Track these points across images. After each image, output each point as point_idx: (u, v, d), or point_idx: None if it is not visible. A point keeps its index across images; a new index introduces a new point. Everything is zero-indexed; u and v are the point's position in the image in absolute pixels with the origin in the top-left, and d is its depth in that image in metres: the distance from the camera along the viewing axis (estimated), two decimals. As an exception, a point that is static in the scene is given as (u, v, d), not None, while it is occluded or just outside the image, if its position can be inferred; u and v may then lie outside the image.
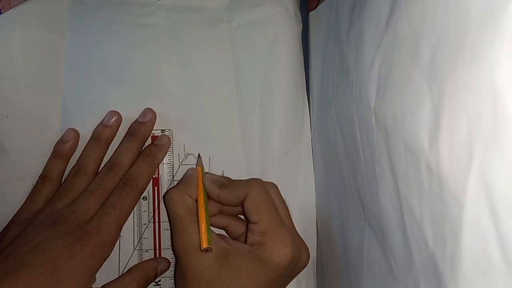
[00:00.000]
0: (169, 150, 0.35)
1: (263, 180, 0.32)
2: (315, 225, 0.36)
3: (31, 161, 0.34)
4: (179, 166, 0.35)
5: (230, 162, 0.35)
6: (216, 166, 0.35)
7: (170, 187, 0.35)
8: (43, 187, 0.33)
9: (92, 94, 0.35)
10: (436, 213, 0.18)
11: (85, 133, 0.35)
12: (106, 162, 0.33)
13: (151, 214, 0.35)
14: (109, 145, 0.34)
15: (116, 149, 0.34)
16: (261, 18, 0.37)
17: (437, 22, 0.18)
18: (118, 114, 0.35)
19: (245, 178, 0.34)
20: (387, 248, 0.23)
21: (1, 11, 0.35)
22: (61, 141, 0.34)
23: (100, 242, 0.29)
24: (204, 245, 0.28)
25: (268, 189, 0.31)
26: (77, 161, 0.33)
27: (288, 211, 0.33)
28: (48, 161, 0.34)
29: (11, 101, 0.34)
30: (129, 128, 0.34)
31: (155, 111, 0.35)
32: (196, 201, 0.31)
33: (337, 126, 0.30)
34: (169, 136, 0.35)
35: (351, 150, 0.27)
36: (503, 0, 0.14)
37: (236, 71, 0.37)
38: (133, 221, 0.34)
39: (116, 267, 0.34)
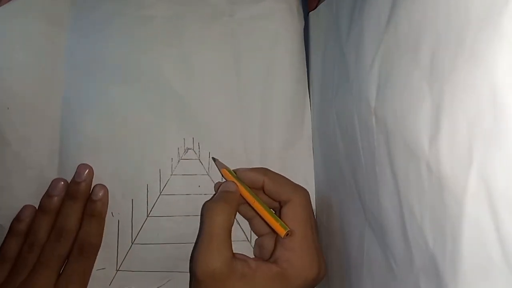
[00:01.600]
0: (165, 144, 0.35)
1: None
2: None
3: (32, 152, 0.34)
4: (178, 161, 0.35)
5: (230, 158, 0.35)
6: None
7: (169, 182, 0.35)
8: (1, 267, 0.32)
9: (92, 85, 0.35)
10: (436, 212, 0.18)
11: (84, 126, 0.35)
12: (53, 229, 0.33)
13: (150, 208, 0.35)
14: (85, 202, 0.34)
15: (60, 213, 0.33)
16: (263, 13, 0.37)
17: (437, 22, 0.18)
18: (64, 182, 0.34)
19: None
20: (387, 248, 0.23)
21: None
22: (17, 220, 0.33)
23: None
24: (284, 230, 0.28)
25: (310, 202, 0.31)
26: (29, 235, 0.33)
27: (316, 224, 0.32)
28: (4, 241, 0.33)
29: (12, 92, 0.34)
30: (68, 190, 0.34)
31: (155, 104, 0.35)
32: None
33: (337, 126, 0.30)
34: (105, 187, 0.34)
35: (351, 150, 0.27)
36: (503, 0, 0.14)
37: (237, 65, 0.37)
38: (131, 215, 0.34)
39: (114, 260, 0.34)
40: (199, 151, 0.36)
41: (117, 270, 0.34)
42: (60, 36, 0.36)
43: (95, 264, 0.33)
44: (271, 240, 0.32)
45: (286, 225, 0.29)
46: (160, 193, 0.35)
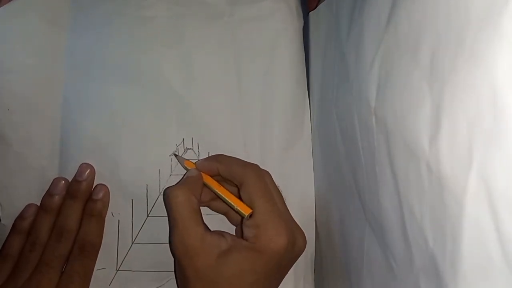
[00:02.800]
0: (165, 144, 0.35)
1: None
2: (315, 224, 0.36)
3: (33, 152, 0.34)
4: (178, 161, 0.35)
5: None
6: None
7: (169, 182, 0.35)
8: (4, 265, 0.32)
9: (92, 86, 0.35)
10: (436, 213, 0.18)
11: (85, 126, 0.35)
12: (54, 229, 0.33)
13: (150, 208, 0.35)
14: (86, 201, 0.34)
15: (61, 212, 0.33)
16: (262, 13, 0.37)
17: (437, 22, 0.18)
18: (65, 181, 0.34)
19: None
20: (387, 248, 0.23)
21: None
22: (20, 217, 0.33)
23: None
24: (247, 210, 0.29)
25: (263, 176, 0.31)
26: (31, 234, 0.33)
27: (282, 197, 0.32)
28: (7, 238, 0.33)
29: (12, 93, 0.34)
30: (69, 189, 0.34)
31: (155, 104, 0.35)
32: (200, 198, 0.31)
33: (337, 126, 0.30)
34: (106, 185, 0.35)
35: (351, 150, 0.27)
36: (503, 0, 0.14)
37: (237, 65, 0.37)
38: (131, 215, 0.34)
39: (114, 260, 0.34)
40: (198, 151, 0.36)
41: (117, 270, 0.34)
42: (60, 36, 0.36)
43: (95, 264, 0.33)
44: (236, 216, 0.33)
45: (242, 231, 0.30)
46: (160, 193, 0.35)
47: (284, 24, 0.37)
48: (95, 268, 0.33)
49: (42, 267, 0.31)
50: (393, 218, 0.22)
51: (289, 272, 0.32)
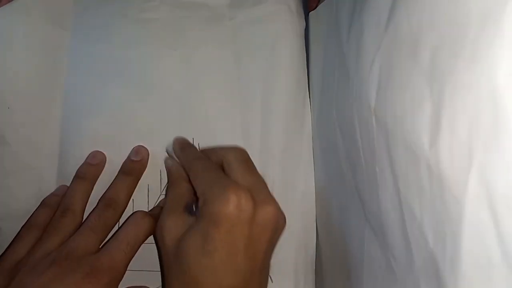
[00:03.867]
0: (166, 145, 0.35)
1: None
2: (315, 224, 0.36)
3: (32, 152, 0.34)
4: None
5: None
6: None
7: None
8: (28, 234, 0.30)
9: (93, 87, 0.35)
10: (436, 213, 0.18)
11: (85, 126, 0.35)
12: (101, 198, 0.32)
13: (151, 208, 0.35)
14: (94, 183, 0.33)
15: (111, 185, 0.33)
16: (263, 15, 0.37)
17: (437, 22, 0.18)
18: (102, 153, 0.34)
19: None
20: (387, 248, 0.23)
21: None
22: (51, 194, 0.33)
23: (111, 279, 0.28)
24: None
25: (208, 155, 0.32)
26: (63, 200, 0.32)
27: (250, 168, 0.30)
28: (36, 211, 0.32)
29: (12, 92, 0.34)
30: (122, 166, 0.34)
31: (156, 105, 0.35)
32: None
33: (337, 126, 0.30)
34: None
35: (351, 150, 0.27)
36: (503, 0, 0.14)
37: (238, 67, 0.37)
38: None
39: None
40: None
41: (117, 270, 0.34)
42: (61, 37, 0.36)
43: None
44: None
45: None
46: (161, 193, 0.35)
47: (284, 25, 0.37)
48: None
49: (85, 230, 0.29)
50: (393, 218, 0.22)
51: (289, 272, 0.32)
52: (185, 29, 0.37)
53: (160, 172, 0.35)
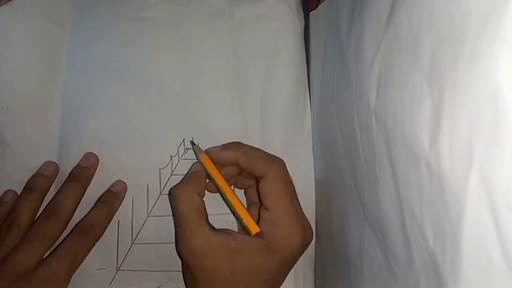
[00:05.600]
0: (165, 144, 0.35)
1: None
2: (315, 224, 0.36)
3: (31, 153, 0.34)
4: (178, 161, 0.35)
5: None
6: None
7: (169, 182, 0.35)
8: None
9: (92, 86, 0.35)
10: (436, 213, 0.18)
11: (84, 126, 0.35)
12: (45, 207, 0.32)
13: (150, 208, 0.35)
14: (44, 196, 0.33)
15: (56, 193, 0.32)
16: (263, 13, 0.37)
17: (437, 21, 0.18)
18: (56, 165, 0.34)
19: None
20: (387, 248, 0.23)
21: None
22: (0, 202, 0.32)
23: None
24: (256, 229, 0.28)
25: (286, 169, 0.31)
26: (10, 213, 0.31)
27: (295, 192, 0.32)
28: None
29: (11, 92, 0.34)
30: (70, 173, 0.33)
31: (155, 104, 0.35)
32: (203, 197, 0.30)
33: (337, 126, 0.30)
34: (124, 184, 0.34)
35: (351, 150, 0.27)
36: (503, 0, 0.14)
37: (237, 65, 0.37)
38: (131, 215, 0.34)
39: (114, 260, 0.34)
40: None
41: (117, 270, 0.34)
42: (61, 36, 0.36)
43: (95, 264, 0.33)
44: (255, 192, 0.32)
45: (257, 224, 0.29)
46: (160, 193, 0.35)
47: (284, 24, 0.37)
48: (95, 267, 0.33)
49: (23, 243, 0.29)
50: (393, 218, 0.22)
51: (289, 272, 0.32)
52: (184, 27, 0.37)
53: (160, 171, 0.35)
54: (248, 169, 0.31)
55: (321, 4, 0.35)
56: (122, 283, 0.34)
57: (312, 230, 0.31)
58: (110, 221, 0.33)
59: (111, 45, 0.36)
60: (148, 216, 0.35)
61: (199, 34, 0.37)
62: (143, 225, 0.34)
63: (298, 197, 0.36)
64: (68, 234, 0.31)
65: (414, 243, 0.20)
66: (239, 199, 0.30)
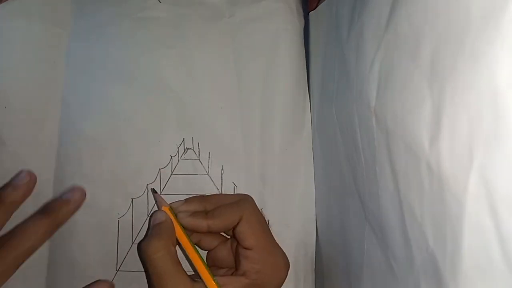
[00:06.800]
0: (165, 144, 0.35)
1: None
2: (315, 224, 0.36)
3: (29, 152, 0.34)
4: (178, 161, 0.35)
5: (230, 158, 0.35)
6: (215, 162, 0.35)
7: (169, 182, 0.35)
8: None
9: (91, 87, 0.35)
10: (436, 213, 0.18)
11: (84, 126, 0.35)
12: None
13: (150, 208, 0.35)
14: (12, 211, 0.29)
15: (20, 223, 0.28)
16: (263, 14, 0.37)
17: (437, 22, 0.18)
18: (33, 176, 0.30)
19: (243, 174, 0.35)
20: (387, 248, 0.23)
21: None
22: None
23: None
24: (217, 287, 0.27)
25: (257, 210, 0.31)
26: None
27: (265, 222, 0.32)
28: None
29: (10, 91, 0.34)
30: (46, 204, 0.30)
31: (155, 104, 0.35)
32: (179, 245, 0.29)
33: (337, 126, 0.30)
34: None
35: (351, 150, 0.27)
36: (503, 0, 0.14)
37: (237, 66, 0.37)
38: (132, 215, 0.34)
39: (114, 260, 0.34)
40: (198, 151, 0.36)
41: (117, 270, 0.34)
42: (61, 36, 0.36)
43: (94, 264, 0.33)
44: (224, 250, 0.31)
45: (240, 263, 0.28)
46: (160, 193, 0.35)
47: (284, 24, 0.37)
48: (95, 268, 0.33)
49: None
50: (393, 218, 0.22)
51: (289, 273, 0.32)
52: (184, 27, 0.37)
53: (159, 171, 0.35)
54: (222, 230, 0.30)
55: (321, 4, 0.35)
56: (121, 284, 0.34)
57: (287, 259, 0.31)
58: (50, 235, 0.29)
59: (111, 46, 0.36)
60: (148, 216, 0.35)
61: (199, 34, 0.37)
62: (142, 225, 0.34)
63: (298, 197, 0.36)
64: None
65: (414, 243, 0.20)
66: (200, 256, 0.29)
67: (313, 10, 0.37)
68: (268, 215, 0.35)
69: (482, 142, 0.15)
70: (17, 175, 0.30)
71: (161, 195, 0.32)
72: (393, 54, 0.21)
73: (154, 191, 0.33)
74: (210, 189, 0.35)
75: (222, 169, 0.35)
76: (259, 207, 0.35)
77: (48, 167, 0.34)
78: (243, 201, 0.30)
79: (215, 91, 0.36)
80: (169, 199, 0.35)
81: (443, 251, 0.18)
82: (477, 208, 0.15)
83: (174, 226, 0.29)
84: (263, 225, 0.30)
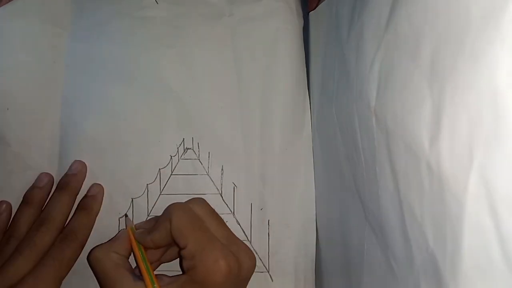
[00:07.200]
0: (165, 144, 0.35)
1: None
2: (315, 224, 0.36)
3: (32, 153, 0.34)
4: (178, 161, 0.35)
5: (230, 158, 0.35)
6: (215, 162, 0.35)
7: (169, 181, 0.35)
8: None
9: (91, 87, 0.36)
10: (436, 213, 0.18)
11: (84, 126, 0.35)
12: (37, 219, 0.32)
13: (150, 208, 0.35)
14: (42, 207, 0.33)
15: (46, 204, 0.33)
16: (262, 13, 0.37)
17: (437, 22, 0.18)
18: (50, 175, 0.34)
19: (243, 174, 0.35)
20: (387, 248, 0.23)
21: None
22: None
23: None
24: (152, 285, 0.28)
25: (190, 208, 0.30)
26: (9, 226, 0.32)
27: (220, 220, 0.31)
28: None
29: (11, 93, 0.34)
30: (59, 182, 0.34)
31: (155, 104, 0.35)
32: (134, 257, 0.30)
33: (337, 126, 0.30)
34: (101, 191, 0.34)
35: (351, 150, 0.27)
36: (503, 0, 0.14)
37: (237, 65, 0.37)
38: (132, 215, 0.34)
39: None
40: (198, 151, 0.36)
41: (117, 270, 0.34)
42: (60, 36, 0.36)
43: None
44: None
45: (156, 281, 0.28)
46: (160, 193, 0.35)
47: (284, 24, 0.37)
48: None
49: (14, 254, 0.30)
50: (393, 218, 0.22)
51: (289, 272, 0.32)
52: (183, 26, 0.37)
53: (159, 171, 0.35)
54: (164, 240, 0.30)
55: (321, 4, 0.35)
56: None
57: (251, 255, 0.30)
58: (92, 225, 0.33)
59: (110, 45, 0.36)
60: (148, 216, 0.35)
61: (199, 34, 0.37)
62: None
63: (298, 197, 0.36)
64: (53, 243, 0.31)
65: (414, 243, 0.20)
66: (147, 265, 0.29)
67: (313, 10, 0.37)
68: (268, 215, 0.35)
69: (482, 142, 0.15)
70: (38, 177, 0.34)
71: (131, 220, 0.34)
72: (393, 54, 0.21)
73: (125, 215, 0.34)
74: (210, 189, 0.35)
75: (222, 169, 0.35)
76: (259, 207, 0.35)
77: (50, 167, 0.35)
78: (170, 208, 0.30)
79: (215, 91, 0.36)
80: (169, 199, 0.35)
81: (443, 251, 0.18)
82: (477, 208, 0.15)
83: (131, 240, 0.31)
84: (195, 223, 0.29)
